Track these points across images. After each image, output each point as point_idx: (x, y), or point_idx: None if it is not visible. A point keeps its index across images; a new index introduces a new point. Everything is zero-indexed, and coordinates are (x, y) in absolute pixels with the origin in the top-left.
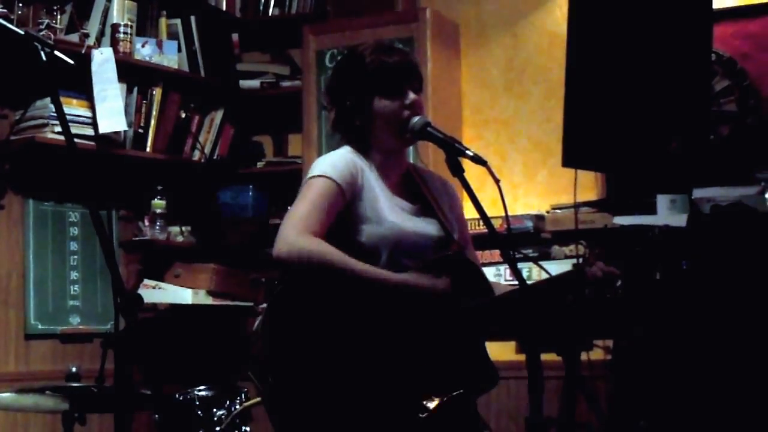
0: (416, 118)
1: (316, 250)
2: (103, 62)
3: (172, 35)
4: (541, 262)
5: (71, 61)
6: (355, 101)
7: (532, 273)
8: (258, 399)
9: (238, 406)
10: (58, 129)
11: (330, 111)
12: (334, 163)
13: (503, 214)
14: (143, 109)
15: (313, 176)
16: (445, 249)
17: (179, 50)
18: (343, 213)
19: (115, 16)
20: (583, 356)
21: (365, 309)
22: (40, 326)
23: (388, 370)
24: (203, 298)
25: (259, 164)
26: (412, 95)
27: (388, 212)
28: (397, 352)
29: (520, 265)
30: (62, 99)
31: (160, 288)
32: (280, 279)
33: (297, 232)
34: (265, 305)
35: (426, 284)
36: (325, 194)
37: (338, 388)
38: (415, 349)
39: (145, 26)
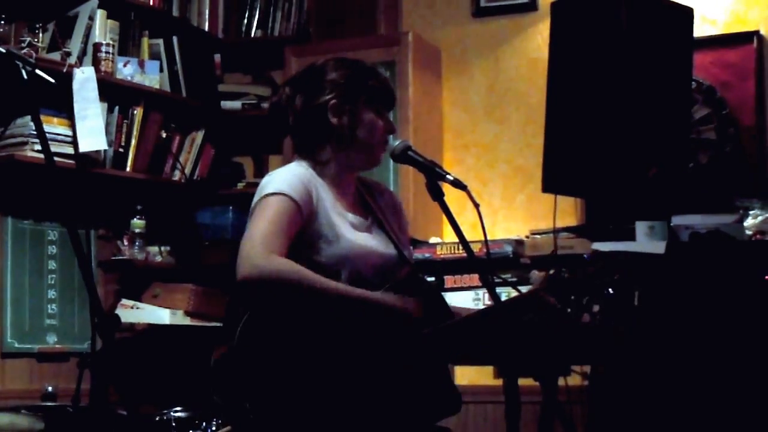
0: (397, 142)
1: (287, 270)
2: (84, 81)
3: (154, 55)
4: (519, 287)
5: (52, 80)
6: (342, 102)
7: None
8: (228, 428)
9: (214, 428)
10: (38, 147)
11: (294, 101)
12: (289, 179)
13: (482, 238)
14: (124, 129)
15: (269, 194)
16: (398, 267)
17: (161, 70)
18: (301, 231)
19: (98, 36)
20: (561, 381)
21: (339, 329)
22: (16, 345)
23: (359, 394)
24: (181, 319)
25: (239, 185)
26: (390, 120)
27: (344, 230)
28: (366, 376)
29: (498, 289)
30: (43, 117)
31: (137, 308)
32: (245, 304)
33: (262, 253)
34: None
35: (400, 305)
36: (284, 213)
37: (313, 412)
38: (381, 374)
39: (127, 46)
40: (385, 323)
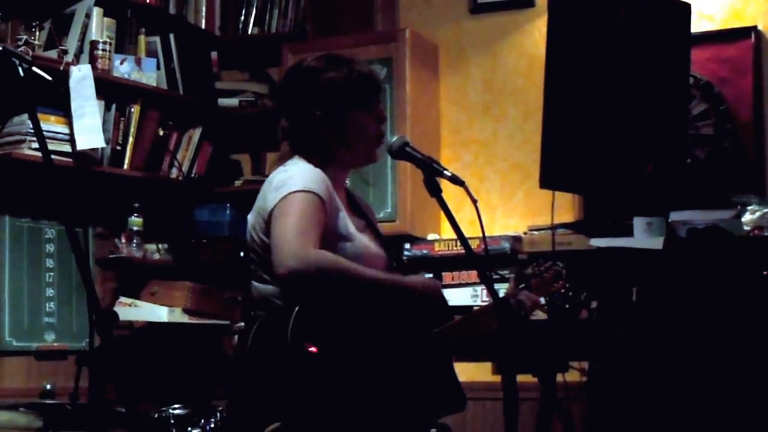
0: (395, 138)
1: (329, 261)
2: (81, 79)
3: (151, 53)
4: None
5: (49, 78)
6: (328, 113)
7: None
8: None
9: (212, 425)
10: (36, 145)
11: (279, 115)
12: (312, 177)
13: (480, 234)
14: (121, 127)
15: (296, 191)
16: (388, 268)
17: (158, 68)
18: (324, 229)
19: (94, 33)
20: (559, 378)
21: (374, 318)
22: (14, 343)
23: (371, 387)
24: (179, 316)
25: (237, 182)
26: (381, 107)
27: (353, 229)
28: (386, 368)
29: (496, 285)
30: (40, 115)
31: (135, 306)
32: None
33: (302, 246)
34: (241, 324)
35: (430, 286)
36: (313, 209)
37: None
38: (395, 367)
39: (123, 43)
40: (419, 308)
